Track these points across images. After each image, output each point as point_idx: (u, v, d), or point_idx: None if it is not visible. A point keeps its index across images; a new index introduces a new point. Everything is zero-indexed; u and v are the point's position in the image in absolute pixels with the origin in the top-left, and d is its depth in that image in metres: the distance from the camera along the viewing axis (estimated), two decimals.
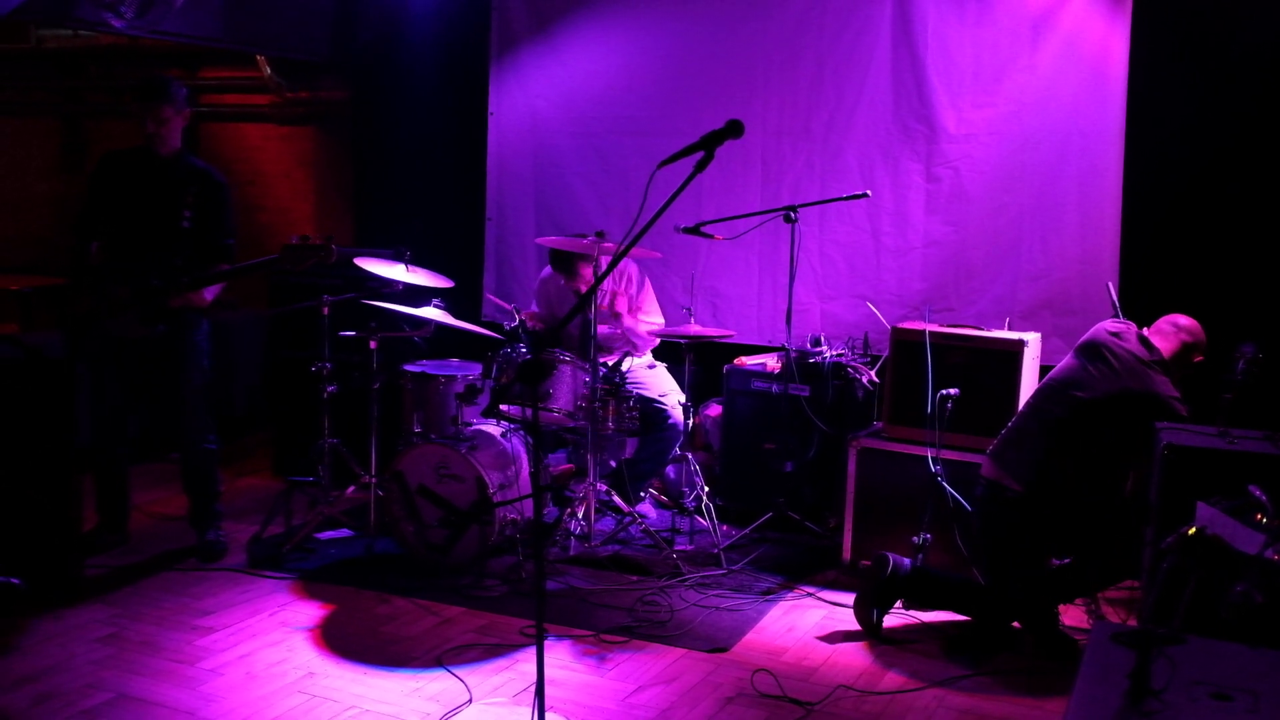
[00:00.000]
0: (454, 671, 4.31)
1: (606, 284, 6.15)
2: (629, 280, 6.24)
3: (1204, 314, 5.53)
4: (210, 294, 5.36)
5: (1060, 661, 4.49)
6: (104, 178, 5.41)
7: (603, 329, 6.00)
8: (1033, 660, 4.52)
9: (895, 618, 4.89)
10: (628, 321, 6.13)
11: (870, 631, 4.74)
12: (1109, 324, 4.77)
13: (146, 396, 5.49)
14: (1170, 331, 4.68)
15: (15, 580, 3.20)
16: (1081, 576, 4.68)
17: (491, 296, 6.90)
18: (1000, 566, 4.74)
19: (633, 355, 6.09)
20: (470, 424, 5.51)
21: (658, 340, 6.19)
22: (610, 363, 5.64)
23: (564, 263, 6.04)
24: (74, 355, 5.31)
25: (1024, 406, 4.84)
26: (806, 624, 4.88)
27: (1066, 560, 4.74)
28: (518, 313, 5.76)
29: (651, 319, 6.25)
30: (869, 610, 4.76)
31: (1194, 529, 3.14)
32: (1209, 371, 4.69)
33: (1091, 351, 4.67)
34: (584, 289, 6.06)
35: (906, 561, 4.81)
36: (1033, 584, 4.67)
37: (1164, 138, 5.74)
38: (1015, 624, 4.72)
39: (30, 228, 9.63)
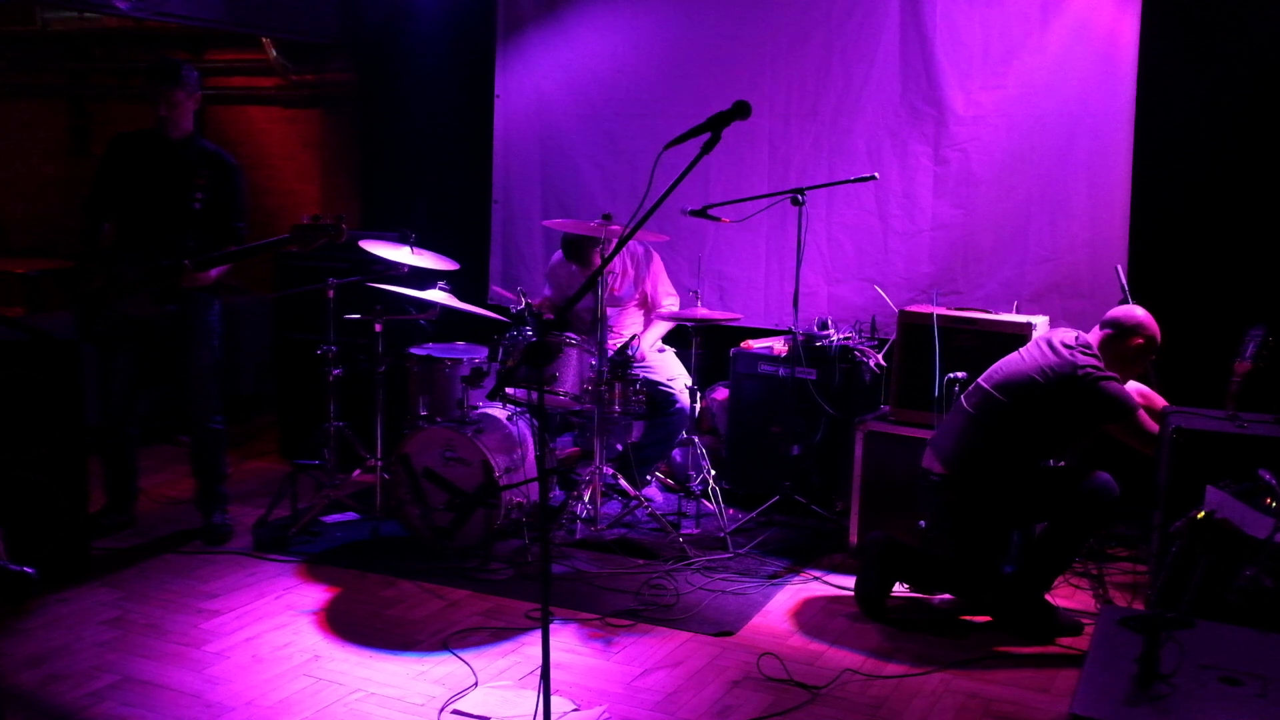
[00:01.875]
0: (460, 655, 4.31)
1: (614, 266, 6.14)
2: (636, 260, 6.21)
3: (1213, 297, 5.54)
4: (215, 272, 5.35)
5: (1064, 641, 4.48)
6: (115, 160, 5.40)
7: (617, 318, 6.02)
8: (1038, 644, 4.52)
9: (901, 600, 4.88)
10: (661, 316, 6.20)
11: (873, 615, 4.73)
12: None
13: (156, 377, 5.49)
14: (1102, 321, 4.70)
15: (29, 570, 3.21)
16: (1044, 557, 4.66)
17: (497, 288, 6.88)
18: (960, 550, 4.76)
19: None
20: (476, 407, 5.51)
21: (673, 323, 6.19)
22: (618, 345, 5.62)
23: (576, 250, 6.02)
24: (84, 337, 5.31)
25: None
26: (813, 608, 4.87)
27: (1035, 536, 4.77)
28: (523, 296, 5.74)
29: (669, 303, 6.26)
30: (870, 593, 4.76)
31: (1203, 513, 3.13)
32: (1218, 355, 4.66)
33: (1031, 342, 4.75)
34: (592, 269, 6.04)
35: (879, 534, 4.85)
36: (1013, 580, 4.66)
37: (1174, 120, 5.70)
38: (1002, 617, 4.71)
39: (36, 210, 9.63)
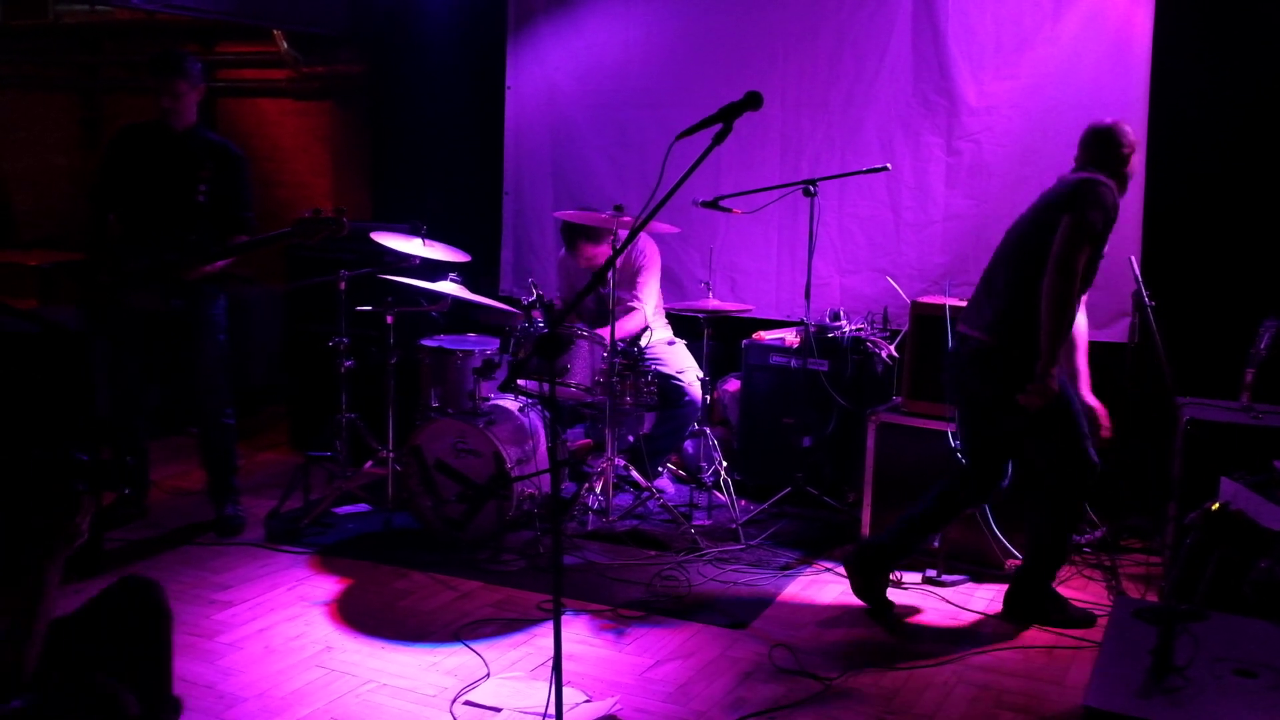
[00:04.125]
0: (471, 646, 4.32)
1: (621, 259, 6.11)
2: (638, 255, 6.16)
3: (1228, 289, 5.51)
4: (222, 264, 5.34)
5: (1076, 633, 4.47)
6: (120, 151, 5.41)
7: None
8: (1056, 634, 4.50)
9: (915, 593, 4.87)
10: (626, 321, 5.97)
11: (876, 615, 4.69)
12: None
13: (165, 370, 5.50)
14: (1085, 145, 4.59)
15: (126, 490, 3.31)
16: (1041, 546, 4.59)
17: (510, 287, 6.87)
18: (973, 433, 4.64)
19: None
20: (488, 399, 5.50)
21: (643, 324, 6.03)
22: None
23: (570, 237, 5.99)
24: (93, 330, 5.32)
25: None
26: (825, 599, 4.86)
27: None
28: (535, 288, 5.74)
29: (639, 302, 6.06)
30: (865, 597, 4.72)
31: (1217, 504, 3.12)
32: (1233, 346, 4.65)
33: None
34: (590, 265, 6.00)
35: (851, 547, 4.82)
36: (1020, 576, 4.63)
37: (1188, 111, 5.67)
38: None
39: (48, 202, 9.64)
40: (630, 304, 6.02)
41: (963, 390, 4.62)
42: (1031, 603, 4.60)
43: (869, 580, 4.71)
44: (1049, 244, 4.25)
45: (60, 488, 2.91)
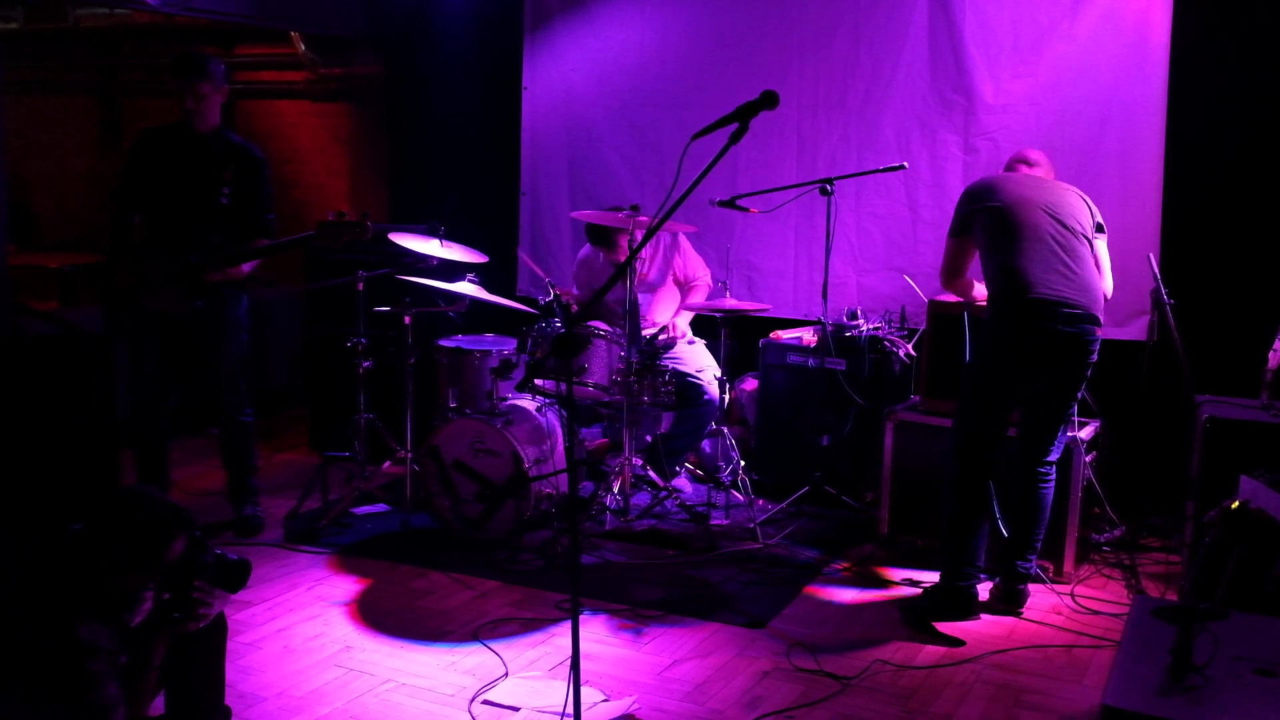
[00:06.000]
0: (490, 645, 4.33)
1: (643, 253, 6.13)
2: (663, 245, 6.20)
3: (1247, 286, 5.48)
4: (247, 267, 5.37)
5: (1096, 632, 4.45)
6: (142, 154, 5.42)
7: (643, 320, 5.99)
8: (1075, 633, 4.48)
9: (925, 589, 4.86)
10: (679, 322, 6.16)
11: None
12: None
13: (185, 371, 5.52)
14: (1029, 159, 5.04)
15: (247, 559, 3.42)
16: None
17: (526, 259, 6.88)
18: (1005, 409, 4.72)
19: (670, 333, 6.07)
20: (505, 399, 5.51)
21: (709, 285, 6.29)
22: (647, 336, 5.62)
23: (601, 235, 6.02)
24: (114, 331, 5.34)
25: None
26: (843, 598, 4.86)
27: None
28: (552, 288, 5.75)
29: (704, 276, 6.31)
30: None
31: (1237, 503, 3.11)
32: (1253, 344, 4.63)
33: (1030, 179, 4.91)
34: (622, 259, 6.02)
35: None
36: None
37: (1207, 107, 5.64)
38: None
39: (68, 205, 9.71)
40: (697, 282, 6.25)
41: (1054, 368, 4.56)
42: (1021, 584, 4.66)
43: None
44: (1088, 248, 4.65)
45: (189, 593, 3.10)
